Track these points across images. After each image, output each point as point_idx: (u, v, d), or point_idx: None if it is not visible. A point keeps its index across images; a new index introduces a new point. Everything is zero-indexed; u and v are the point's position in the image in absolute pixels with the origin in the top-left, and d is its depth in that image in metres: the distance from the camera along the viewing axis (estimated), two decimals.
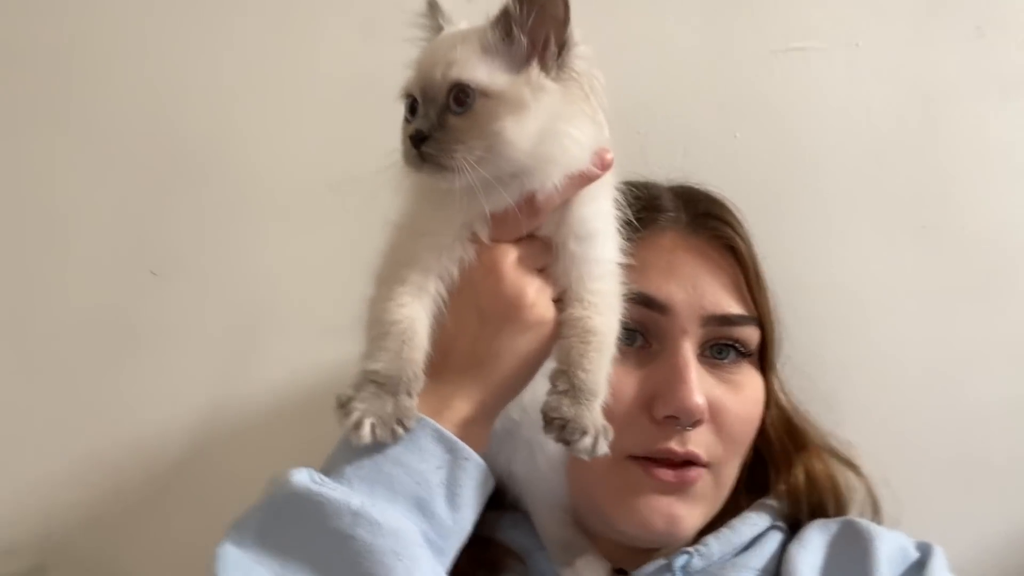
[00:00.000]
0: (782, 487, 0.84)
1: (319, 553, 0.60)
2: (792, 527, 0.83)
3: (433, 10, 0.72)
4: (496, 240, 0.68)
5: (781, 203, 1.00)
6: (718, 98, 1.04)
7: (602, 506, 0.78)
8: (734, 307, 0.80)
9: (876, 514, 0.85)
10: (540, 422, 0.65)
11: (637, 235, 0.73)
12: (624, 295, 0.71)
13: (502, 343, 0.67)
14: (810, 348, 0.87)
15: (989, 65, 1.01)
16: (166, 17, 1.06)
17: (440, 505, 0.63)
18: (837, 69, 1.03)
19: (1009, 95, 1.01)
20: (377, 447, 0.63)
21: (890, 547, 0.76)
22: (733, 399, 0.79)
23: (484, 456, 0.67)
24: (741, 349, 0.81)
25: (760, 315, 0.82)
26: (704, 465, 0.77)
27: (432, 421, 0.64)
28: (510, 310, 0.67)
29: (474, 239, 0.68)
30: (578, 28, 0.66)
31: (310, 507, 0.61)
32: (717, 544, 0.79)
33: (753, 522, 0.81)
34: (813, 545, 0.78)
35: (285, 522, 0.62)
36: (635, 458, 0.76)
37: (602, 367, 0.67)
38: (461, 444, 0.65)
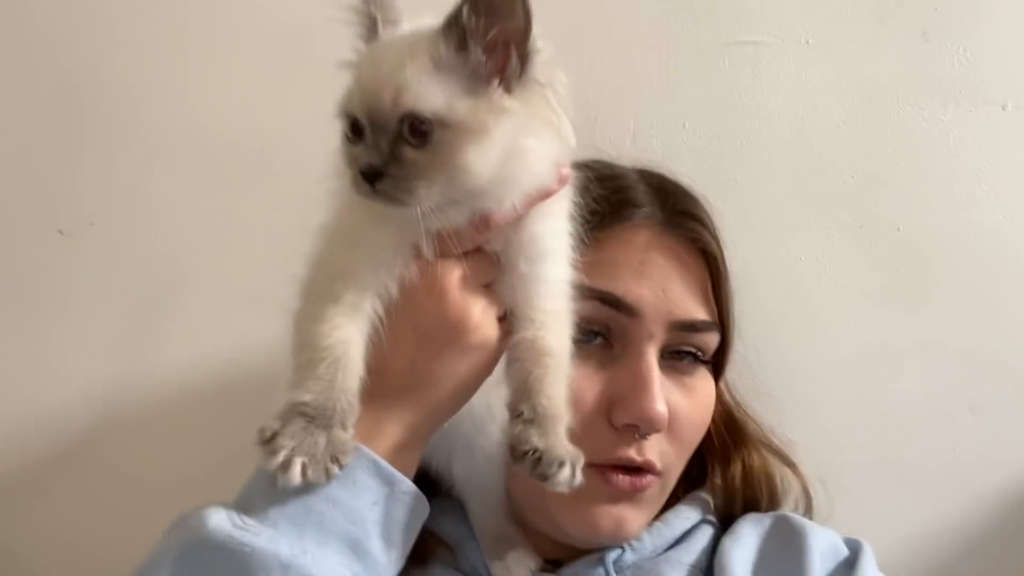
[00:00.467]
0: (718, 481, 0.83)
1: None
2: (724, 521, 0.82)
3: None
4: (440, 255, 0.63)
5: (726, 194, 0.98)
6: (668, 87, 1.03)
7: (551, 509, 0.75)
8: (700, 313, 0.77)
9: (808, 511, 0.86)
10: (478, 421, 0.61)
11: (607, 229, 0.70)
12: (587, 291, 0.68)
13: (442, 366, 0.63)
14: (751, 342, 0.87)
15: (932, 70, 1.03)
16: None
17: (375, 544, 0.59)
18: (786, 65, 1.04)
19: (949, 100, 1.03)
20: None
21: (822, 543, 0.76)
22: (687, 404, 0.77)
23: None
24: (699, 354, 0.79)
25: (722, 321, 0.80)
26: (658, 473, 0.75)
27: (370, 452, 0.60)
28: (453, 333, 0.63)
29: (416, 253, 0.63)
30: (535, 24, 0.59)
31: (232, 558, 0.55)
32: (649, 539, 0.77)
33: (685, 516, 0.80)
34: (746, 539, 0.78)
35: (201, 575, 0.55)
36: (592, 466, 0.71)
37: (562, 390, 0.63)
38: (399, 476, 0.61)
